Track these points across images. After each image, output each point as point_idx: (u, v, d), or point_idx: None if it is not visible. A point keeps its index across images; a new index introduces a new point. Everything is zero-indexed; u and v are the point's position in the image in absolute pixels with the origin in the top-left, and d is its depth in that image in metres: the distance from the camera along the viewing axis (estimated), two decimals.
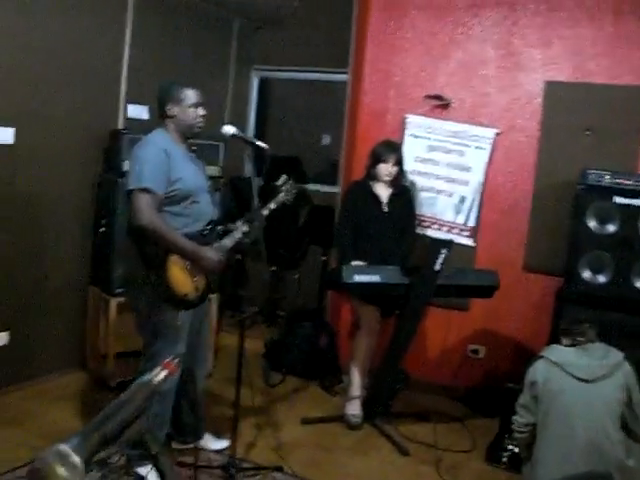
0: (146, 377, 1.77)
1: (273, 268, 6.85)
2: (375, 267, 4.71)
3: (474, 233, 5.48)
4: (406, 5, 5.60)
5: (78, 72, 5.07)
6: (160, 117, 3.89)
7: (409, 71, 5.63)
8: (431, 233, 5.54)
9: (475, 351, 5.51)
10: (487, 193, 5.45)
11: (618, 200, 4.64)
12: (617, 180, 4.68)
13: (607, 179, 4.70)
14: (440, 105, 5.53)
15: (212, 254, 3.81)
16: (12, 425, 4.42)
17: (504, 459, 4.41)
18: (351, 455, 4.53)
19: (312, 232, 6.64)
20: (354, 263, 4.77)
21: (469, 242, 5.49)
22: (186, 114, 3.83)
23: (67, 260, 5.24)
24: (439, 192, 5.54)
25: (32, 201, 4.90)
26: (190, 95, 3.83)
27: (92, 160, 5.26)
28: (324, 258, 6.35)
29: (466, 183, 5.47)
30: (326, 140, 7.43)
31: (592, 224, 4.69)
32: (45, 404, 4.78)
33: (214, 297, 5.22)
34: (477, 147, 5.44)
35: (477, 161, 5.43)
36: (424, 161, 5.58)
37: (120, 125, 5.45)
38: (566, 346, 3.62)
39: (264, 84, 7.50)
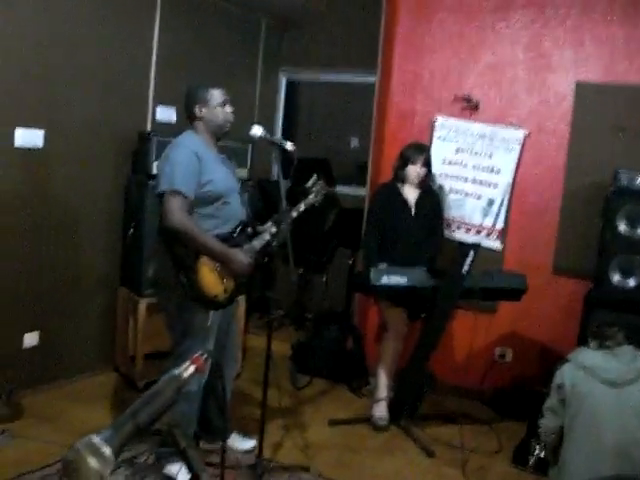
0: (176, 371, 1.80)
1: (301, 271, 6.87)
2: (402, 269, 4.70)
3: (502, 235, 5.46)
4: (435, 7, 5.61)
5: (107, 74, 5.13)
6: (189, 120, 3.92)
7: (437, 72, 5.62)
8: (459, 236, 5.53)
9: (502, 354, 5.48)
10: (516, 195, 5.42)
11: None
12: None
13: (639, 181, 4.66)
14: (469, 107, 5.52)
15: (242, 257, 3.83)
16: (44, 423, 4.48)
17: (531, 462, 4.37)
18: (377, 456, 4.53)
19: (340, 235, 6.65)
20: (380, 266, 4.78)
21: (497, 245, 5.47)
22: (214, 114, 3.86)
23: (97, 261, 5.30)
24: (467, 194, 5.53)
25: (63, 203, 4.97)
26: (216, 95, 3.86)
27: (121, 162, 5.32)
28: (351, 261, 6.36)
29: (495, 185, 5.45)
30: (354, 142, 7.44)
31: (622, 227, 4.64)
32: (76, 403, 4.83)
33: (242, 299, 5.24)
34: (506, 149, 5.42)
35: (506, 163, 5.41)
36: (452, 163, 5.57)
37: (149, 127, 5.50)
38: (594, 349, 3.60)
39: (292, 87, 7.53)
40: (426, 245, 5.01)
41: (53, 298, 4.98)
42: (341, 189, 6.85)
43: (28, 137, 4.60)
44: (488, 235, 5.47)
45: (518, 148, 5.38)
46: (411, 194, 5.00)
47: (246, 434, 4.40)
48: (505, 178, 5.42)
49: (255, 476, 3.93)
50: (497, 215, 5.46)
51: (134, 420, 1.63)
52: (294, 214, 4.08)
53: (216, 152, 3.93)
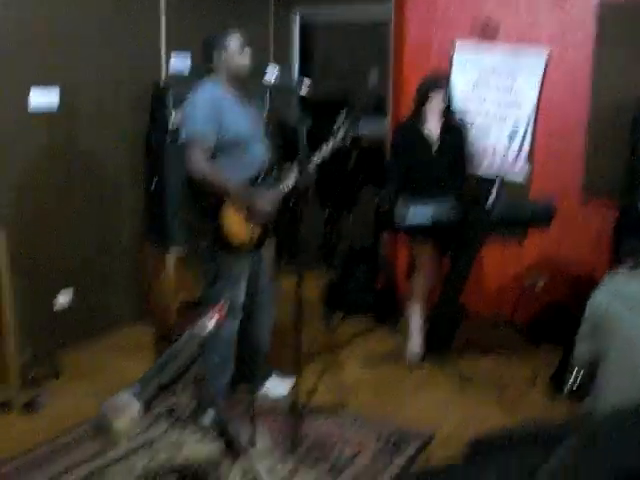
0: (196, 326, 1.81)
1: (327, 211, 6.84)
2: (428, 205, 4.63)
3: (529, 160, 5.37)
4: None
5: (116, 26, 5.05)
6: (208, 67, 3.92)
7: None
8: (485, 164, 5.45)
9: (534, 282, 5.45)
10: (541, 118, 5.32)
11: None
12: None
13: None
14: (488, 30, 5.38)
15: (265, 200, 3.85)
16: (82, 379, 4.57)
17: (566, 390, 4.38)
18: (413, 392, 4.56)
19: (364, 173, 6.60)
20: (406, 203, 4.73)
21: (524, 171, 5.39)
22: (233, 59, 3.86)
23: (124, 218, 5.34)
24: (492, 119, 5.43)
25: (85, 162, 4.98)
26: (234, 39, 3.86)
27: (139, 117, 5.27)
28: (377, 199, 6.31)
29: (519, 108, 5.34)
30: (373, 79, 7.33)
31: None
32: (112, 358, 4.90)
33: (272, 243, 5.23)
34: (529, 72, 5.30)
35: (529, 86, 5.29)
36: (474, 89, 5.48)
37: (164, 78, 5.44)
38: (626, 274, 3.55)
39: (306, 28, 7.38)
40: (451, 180, 4.92)
41: (83, 256, 5.03)
42: (362, 127, 6.76)
43: (43, 96, 4.58)
44: (514, 161, 5.39)
45: (541, 71, 5.25)
46: (433, 129, 4.90)
47: (282, 379, 4.43)
48: (529, 102, 5.31)
49: (293, 419, 3.97)
50: (523, 139, 5.37)
51: (159, 377, 1.64)
52: (323, 154, 4.05)
53: (237, 97, 3.93)
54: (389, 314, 5.66)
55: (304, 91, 3.81)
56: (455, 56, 5.49)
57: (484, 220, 4.64)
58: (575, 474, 2.32)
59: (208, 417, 3.81)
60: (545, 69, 5.25)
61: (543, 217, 4.77)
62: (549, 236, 5.14)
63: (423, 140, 4.89)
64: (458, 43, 5.47)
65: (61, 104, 4.70)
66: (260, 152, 3.95)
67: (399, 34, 5.69)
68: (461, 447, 2.97)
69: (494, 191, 4.57)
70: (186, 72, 5.57)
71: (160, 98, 5.10)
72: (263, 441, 3.80)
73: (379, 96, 6.59)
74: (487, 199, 4.58)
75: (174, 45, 5.49)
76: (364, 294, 5.78)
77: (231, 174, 3.80)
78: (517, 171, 5.40)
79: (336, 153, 4.14)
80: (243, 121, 3.87)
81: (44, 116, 4.62)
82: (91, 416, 3.89)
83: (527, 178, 5.41)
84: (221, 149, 3.78)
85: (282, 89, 4.06)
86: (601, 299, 3.49)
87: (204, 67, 3.95)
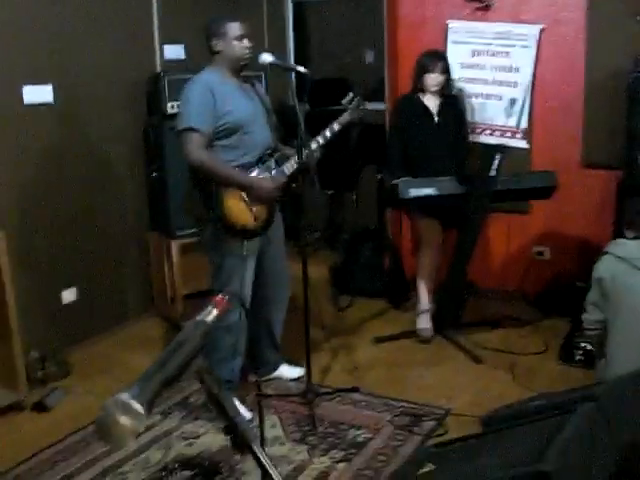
0: (199, 317, 1.79)
1: (330, 192, 6.84)
2: (431, 179, 4.63)
3: (528, 135, 5.36)
4: None
5: (108, 18, 5.02)
6: (210, 54, 3.91)
7: None
8: (483, 139, 5.43)
9: (540, 253, 5.46)
10: (537, 92, 5.29)
11: None
12: None
13: None
14: (481, 7, 5.35)
15: (266, 183, 3.86)
16: (92, 376, 4.56)
17: (578, 357, 4.40)
18: (425, 368, 4.57)
19: (365, 152, 6.59)
20: (406, 178, 4.72)
21: (523, 144, 5.37)
22: (231, 47, 3.83)
23: (125, 208, 5.32)
24: (488, 97, 5.41)
25: (85, 157, 4.96)
26: (233, 28, 3.83)
27: (136, 106, 5.26)
28: (379, 176, 6.30)
29: (515, 84, 5.32)
30: (369, 58, 7.30)
31: None
32: (122, 352, 4.90)
33: (281, 224, 5.22)
34: (523, 46, 5.26)
35: (524, 60, 5.26)
36: (470, 67, 5.44)
37: (158, 67, 5.41)
38: (631, 240, 3.55)
39: (299, 8, 7.35)
40: (452, 153, 4.93)
41: (86, 251, 5.01)
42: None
43: (37, 93, 4.57)
44: (513, 135, 5.38)
45: (535, 44, 5.22)
46: (432, 103, 4.90)
47: (294, 362, 4.44)
48: (525, 76, 5.28)
49: (306, 402, 3.99)
50: (520, 114, 5.35)
51: (162, 371, 1.63)
52: (328, 135, 4.04)
53: (237, 83, 3.92)
54: (398, 292, 5.66)
55: (301, 68, 3.83)
56: (448, 36, 5.46)
57: (487, 191, 4.62)
58: (590, 442, 2.33)
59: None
60: (539, 43, 5.21)
61: (545, 186, 4.76)
62: (553, 206, 5.13)
63: (423, 112, 4.89)
64: (451, 22, 5.44)
65: (56, 98, 4.68)
66: (260, 136, 3.93)
67: (392, 13, 5.65)
68: (476, 421, 2.98)
69: (496, 160, 4.56)
70: (181, 58, 5.54)
71: (156, 86, 5.08)
72: (276, 428, 3.82)
73: (377, 76, 6.55)
74: (490, 168, 4.57)
75: (167, 37, 5.45)
76: (372, 275, 5.77)
77: (235, 158, 3.82)
78: (516, 145, 5.37)
79: (337, 133, 4.13)
80: (241, 106, 3.85)
81: (40, 111, 4.60)
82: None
83: (527, 152, 5.38)
84: (219, 135, 3.79)
85: (279, 71, 4.03)
86: (607, 266, 3.50)
87: (207, 49, 3.91)
